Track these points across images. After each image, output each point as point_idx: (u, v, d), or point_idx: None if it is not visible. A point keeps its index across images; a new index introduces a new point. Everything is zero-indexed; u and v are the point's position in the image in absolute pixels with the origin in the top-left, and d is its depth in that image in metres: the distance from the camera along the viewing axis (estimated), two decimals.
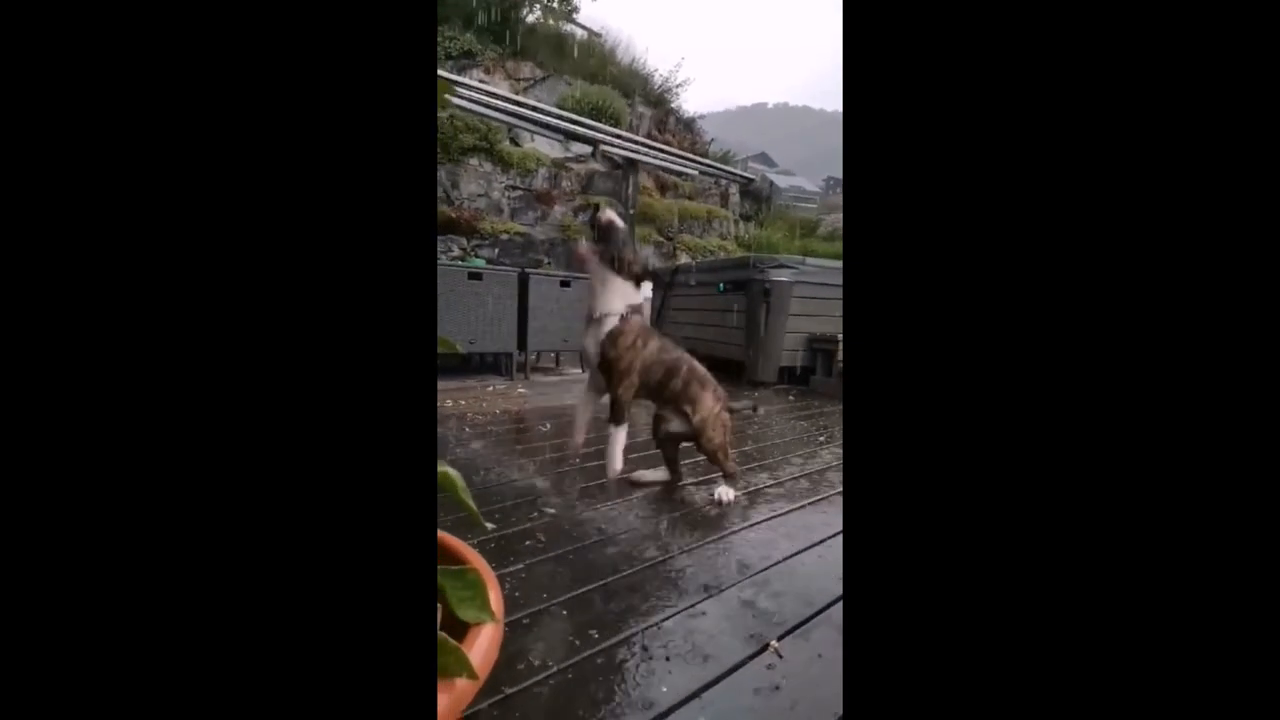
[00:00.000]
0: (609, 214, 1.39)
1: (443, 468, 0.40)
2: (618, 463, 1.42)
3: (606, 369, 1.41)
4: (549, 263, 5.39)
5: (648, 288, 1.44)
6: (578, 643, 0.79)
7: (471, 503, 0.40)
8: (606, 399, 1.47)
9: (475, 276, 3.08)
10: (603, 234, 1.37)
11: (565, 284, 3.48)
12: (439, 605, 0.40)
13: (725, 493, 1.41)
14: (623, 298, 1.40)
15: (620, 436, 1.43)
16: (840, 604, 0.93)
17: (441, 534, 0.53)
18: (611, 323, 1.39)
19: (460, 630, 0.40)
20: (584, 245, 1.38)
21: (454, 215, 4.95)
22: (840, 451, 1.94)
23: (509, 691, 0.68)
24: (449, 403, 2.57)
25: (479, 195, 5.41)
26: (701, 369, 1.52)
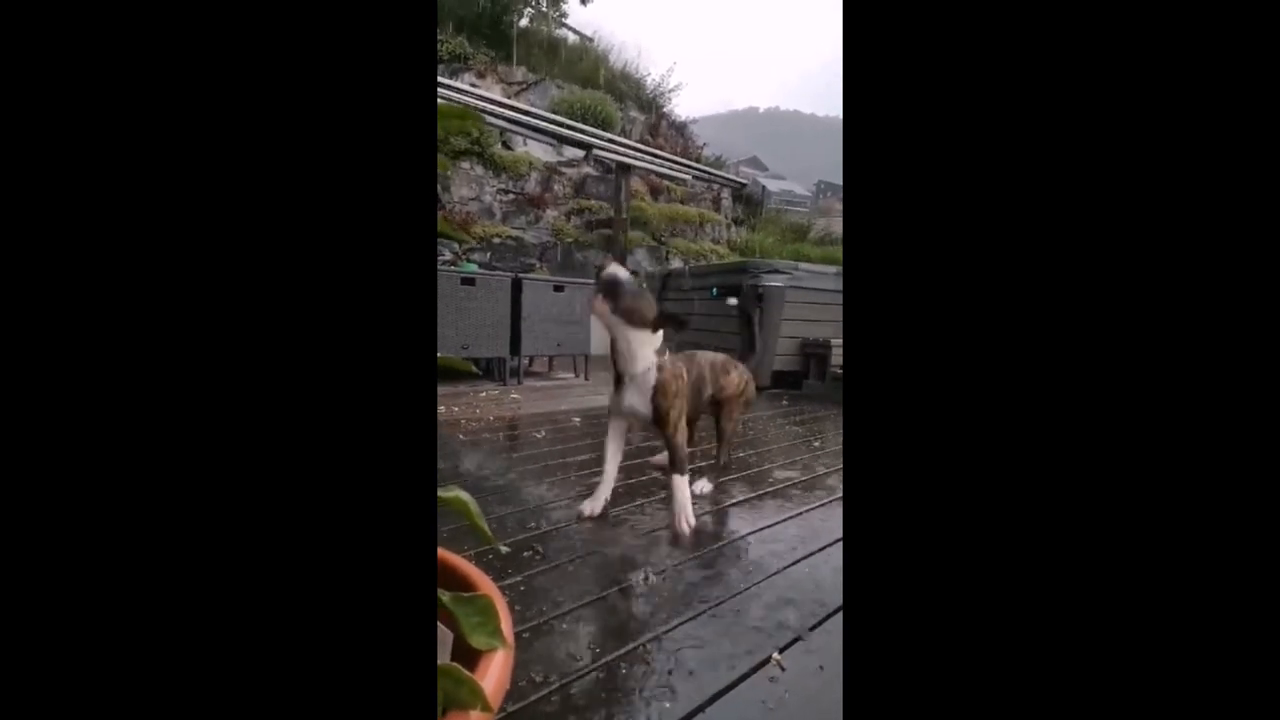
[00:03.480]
0: (612, 268, 1.32)
1: (454, 491, 0.40)
2: (691, 515, 1.30)
3: (661, 421, 1.35)
4: (541, 266, 5.39)
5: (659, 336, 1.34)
6: (579, 658, 0.78)
7: (485, 526, 0.40)
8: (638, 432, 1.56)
9: (468, 282, 3.07)
10: (608, 288, 1.27)
11: (559, 288, 3.47)
12: (450, 633, 0.39)
13: (703, 485, 1.54)
14: (649, 346, 1.32)
15: (685, 486, 1.33)
16: (840, 614, 0.93)
17: (447, 554, 0.52)
18: (653, 377, 1.33)
19: (472, 657, 0.40)
20: (597, 301, 1.29)
21: (446, 219, 4.92)
22: (834, 456, 1.95)
23: (511, 709, 0.68)
24: (441, 409, 2.55)
25: (471, 199, 5.40)
26: (716, 359, 1.58)
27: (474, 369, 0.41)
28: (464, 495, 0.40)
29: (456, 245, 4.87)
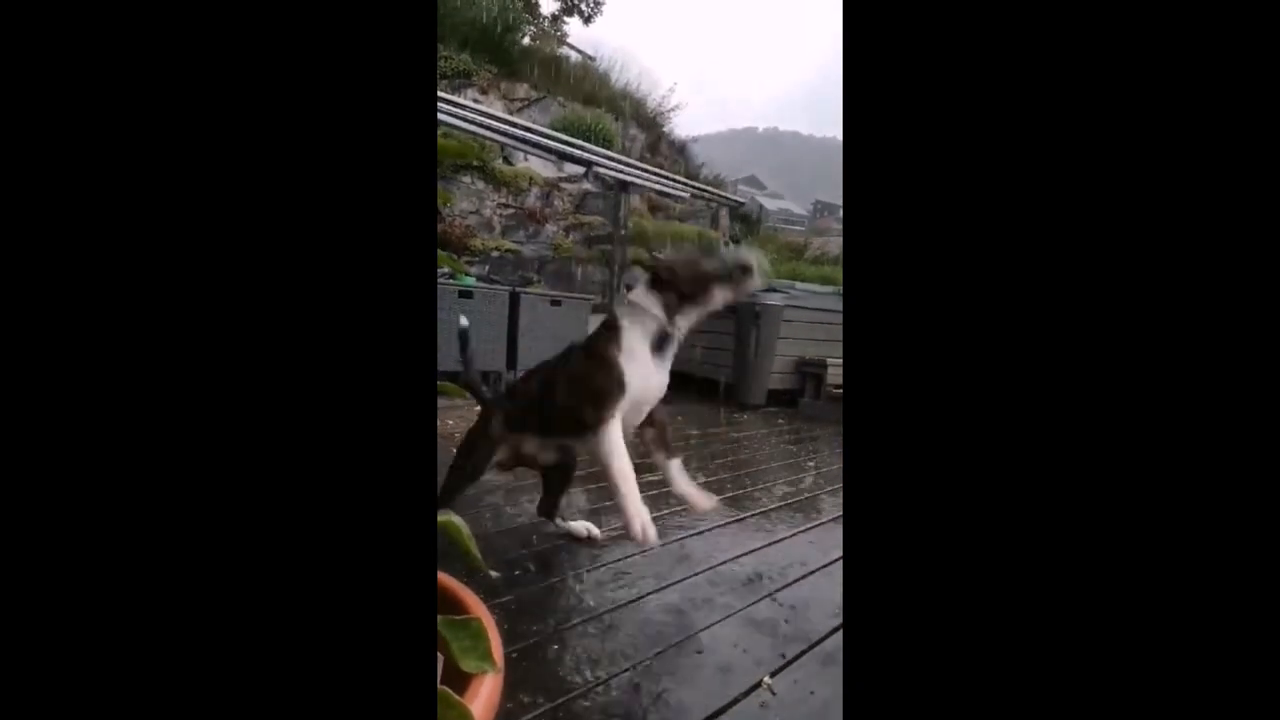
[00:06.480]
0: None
1: (446, 515, 0.40)
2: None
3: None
4: (540, 281, 5.40)
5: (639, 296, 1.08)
6: (568, 679, 0.78)
7: (476, 551, 0.40)
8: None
9: (466, 295, 3.07)
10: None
11: (556, 303, 3.48)
12: (441, 656, 0.39)
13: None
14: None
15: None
16: (832, 637, 0.93)
17: (439, 575, 0.52)
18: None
19: (461, 680, 0.40)
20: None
21: (445, 231, 4.94)
22: (828, 476, 1.95)
23: None
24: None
25: (470, 212, 5.43)
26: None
27: (464, 392, 0.42)
28: (456, 519, 0.40)
29: (455, 255, 4.87)
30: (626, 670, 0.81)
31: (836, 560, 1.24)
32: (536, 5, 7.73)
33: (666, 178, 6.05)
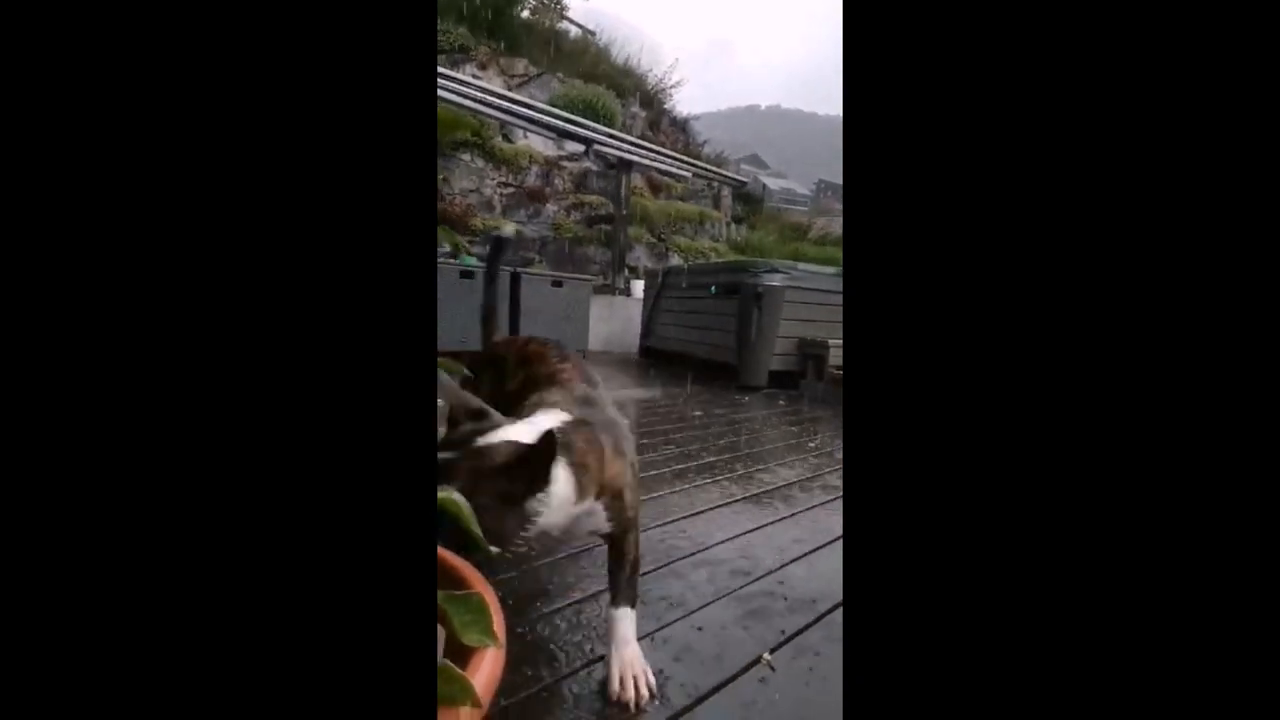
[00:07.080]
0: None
1: (446, 492, 0.40)
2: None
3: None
4: (541, 261, 5.38)
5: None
6: (572, 654, 0.79)
7: (478, 529, 0.40)
8: None
9: (467, 275, 3.06)
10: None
11: (558, 284, 3.47)
12: (442, 630, 0.40)
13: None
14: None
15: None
16: (831, 615, 0.94)
17: (441, 551, 0.53)
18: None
19: (463, 654, 0.40)
20: None
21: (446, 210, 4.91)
22: (828, 457, 1.96)
23: (505, 703, 0.68)
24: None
25: (470, 191, 5.38)
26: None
27: (465, 371, 0.41)
28: (456, 497, 0.40)
29: (456, 235, 4.86)
30: None
31: (836, 539, 1.25)
32: None
33: (668, 156, 5.98)
